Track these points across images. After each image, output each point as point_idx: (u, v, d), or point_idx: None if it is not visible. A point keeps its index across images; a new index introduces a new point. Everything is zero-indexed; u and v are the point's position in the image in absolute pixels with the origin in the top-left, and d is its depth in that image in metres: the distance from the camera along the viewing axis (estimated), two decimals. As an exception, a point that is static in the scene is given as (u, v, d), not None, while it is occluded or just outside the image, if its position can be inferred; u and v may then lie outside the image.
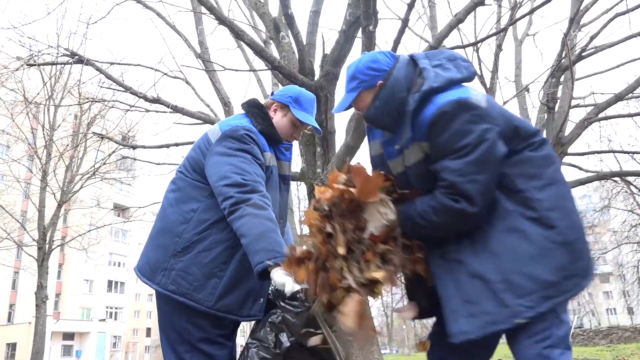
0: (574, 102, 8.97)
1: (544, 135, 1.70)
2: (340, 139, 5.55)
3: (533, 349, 1.68)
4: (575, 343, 21.03)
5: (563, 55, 7.94)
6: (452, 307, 1.74)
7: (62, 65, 11.88)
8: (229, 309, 2.00)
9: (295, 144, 3.19)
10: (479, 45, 7.74)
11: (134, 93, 6.57)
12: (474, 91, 1.75)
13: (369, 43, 4.37)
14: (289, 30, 5.70)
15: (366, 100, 1.87)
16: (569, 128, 8.65)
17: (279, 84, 7.89)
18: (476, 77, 7.79)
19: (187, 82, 8.26)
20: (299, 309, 1.81)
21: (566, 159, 9.10)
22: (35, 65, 7.01)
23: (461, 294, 1.72)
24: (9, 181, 19.73)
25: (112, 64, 6.98)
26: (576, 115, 9.87)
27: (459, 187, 1.68)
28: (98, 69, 6.48)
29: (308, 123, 2.28)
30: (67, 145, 17.08)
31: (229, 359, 2.02)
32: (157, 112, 7.53)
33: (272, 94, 2.39)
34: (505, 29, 8.05)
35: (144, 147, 7.79)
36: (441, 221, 1.75)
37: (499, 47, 8.71)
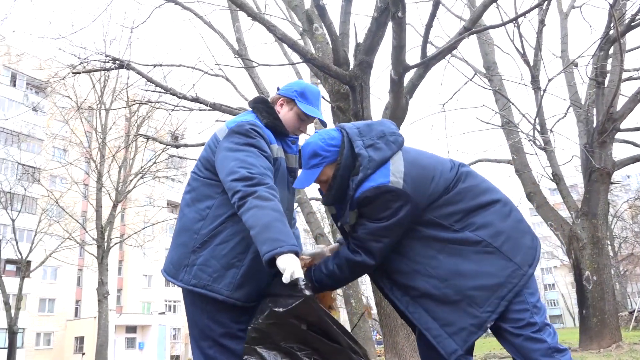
0: (625, 75, 8.54)
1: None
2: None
3: (520, 334, 2.02)
4: (636, 327, 20.11)
5: (611, 27, 7.57)
6: (434, 333, 2.08)
7: (109, 71, 12.34)
8: (246, 297, 2.09)
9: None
10: (519, 21, 7.47)
11: (174, 93, 6.74)
12: (397, 167, 2.09)
13: (399, 29, 4.30)
14: (322, 22, 5.68)
15: (327, 173, 2.18)
16: (620, 102, 8.27)
17: (316, 76, 7.91)
18: (519, 56, 7.50)
19: (227, 79, 8.40)
20: (297, 296, 1.84)
21: (619, 135, 8.69)
22: (80, 72, 7.31)
23: (437, 320, 2.08)
24: (68, 183, 20.70)
25: (155, 66, 7.16)
26: (628, 89, 9.38)
27: (366, 243, 2.10)
28: (139, 72, 6.69)
29: (314, 116, 2.35)
30: (119, 146, 17.75)
31: None
32: (199, 110, 7.72)
33: (278, 89, 2.44)
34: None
35: (186, 145, 8.02)
36: (344, 275, 2.18)
37: (541, 22, 8.38)
